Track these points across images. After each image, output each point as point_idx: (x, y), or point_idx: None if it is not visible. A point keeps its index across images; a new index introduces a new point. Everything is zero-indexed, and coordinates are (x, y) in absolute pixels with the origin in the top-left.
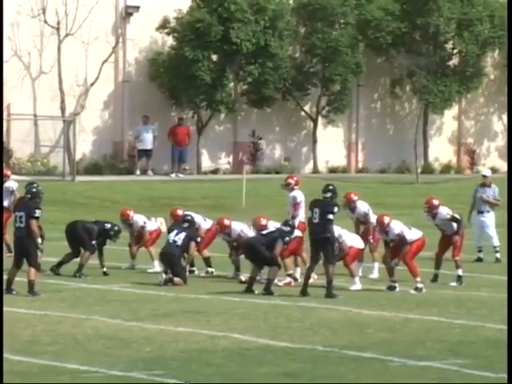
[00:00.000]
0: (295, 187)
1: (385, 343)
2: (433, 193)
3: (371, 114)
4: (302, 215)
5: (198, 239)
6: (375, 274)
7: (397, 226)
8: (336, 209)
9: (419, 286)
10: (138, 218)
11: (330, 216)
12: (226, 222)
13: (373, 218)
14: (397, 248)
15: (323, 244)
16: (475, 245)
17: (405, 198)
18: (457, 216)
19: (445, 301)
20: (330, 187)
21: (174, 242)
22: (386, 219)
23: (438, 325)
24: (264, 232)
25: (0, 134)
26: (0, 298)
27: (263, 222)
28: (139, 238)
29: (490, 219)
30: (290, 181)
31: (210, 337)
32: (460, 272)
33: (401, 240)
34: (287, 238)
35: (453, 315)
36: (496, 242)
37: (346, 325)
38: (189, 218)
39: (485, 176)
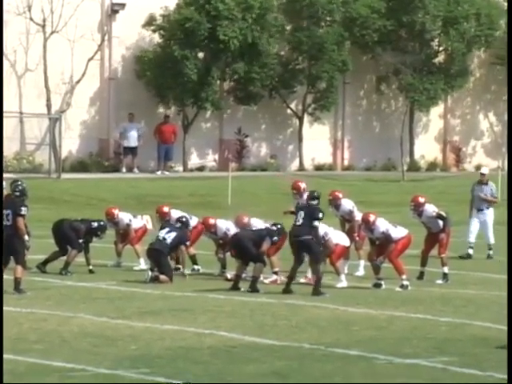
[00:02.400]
0: (306, 192)
1: (371, 341)
2: (419, 190)
3: (357, 112)
4: None
5: (188, 243)
6: (361, 272)
7: (382, 224)
8: (321, 215)
9: (405, 283)
10: (124, 216)
11: (316, 223)
12: (211, 221)
13: (358, 216)
14: (382, 246)
15: (307, 246)
16: (466, 240)
17: (391, 196)
18: (443, 213)
19: (431, 298)
20: (316, 194)
21: (164, 239)
22: (372, 217)
23: (424, 322)
24: (253, 228)
25: (0, 134)
26: (0, 299)
27: (245, 219)
28: (125, 235)
29: (489, 216)
30: (303, 185)
31: (196, 334)
32: (446, 269)
33: (386, 238)
34: (276, 238)
35: (439, 313)
36: (492, 240)
37: (333, 322)
38: (183, 219)
39: (483, 174)
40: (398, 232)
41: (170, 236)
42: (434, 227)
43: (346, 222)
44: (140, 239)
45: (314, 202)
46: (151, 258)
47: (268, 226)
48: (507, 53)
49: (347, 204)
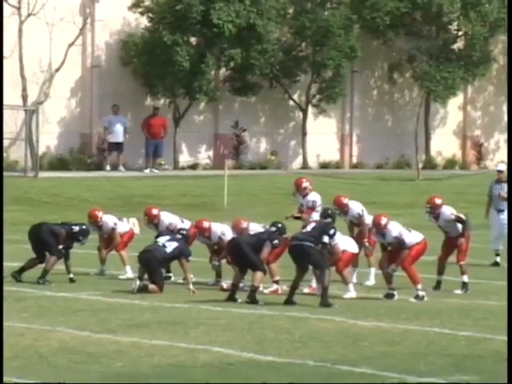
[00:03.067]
0: (310, 191)
1: (382, 357)
2: (435, 191)
3: (367, 103)
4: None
5: (190, 258)
6: (371, 281)
7: (395, 228)
8: (333, 231)
9: (420, 293)
10: (108, 219)
11: (326, 239)
12: (205, 224)
13: (368, 219)
14: (395, 252)
15: (306, 252)
16: (492, 248)
17: (404, 197)
18: (462, 216)
19: (449, 310)
20: (330, 212)
21: (164, 246)
22: (383, 220)
23: (441, 337)
24: (252, 232)
25: (0, 132)
26: (0, 300)
27: (244, 224)
28: (109, 240)
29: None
30: (305, 184)
31: (188, 350)
32: (465, 278)
33: (399, 243)
34: (276, 241)
35: (458, 326)
36: None
37: (340, 337)
38: (184, 232)
39: (500, 171)
40: (412, 237)
41: (170, 245)
42: (452, 231)
43: (355, 226)
44: (126, 245)
45: (327, 221)
46: (143, 262)
47: (266, 228)
48: (507, 53)
49: (355, 207)
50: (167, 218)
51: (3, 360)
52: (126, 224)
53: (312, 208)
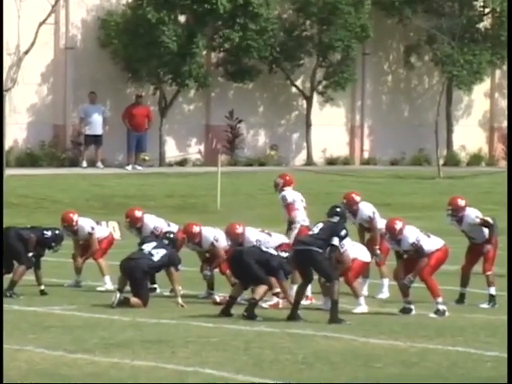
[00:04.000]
0: (285, 188)
1: (397, 380)
2: (458, 190)
3: (380, 91)
4: (301, 217)
5: (180, 266)
6: (385, 294)
7: (412, 234)
8: (344, 232)
9: (441, 308)
10: (84, 223)
11: (335, 241)
12: (195, 229)
13: (380, 223)
14: (412, 261)
15: (312, 259)
16: None
17: (423, 197)
18: (489, 220)
19: (473, 327)
20: (338, 210)
21: (150, 254)
22: (398, 224)
23: (465, 357)
24: (264, 248)
25: (0, 130)
26: (0, 300)
27: (239, 229)
28: (86, 247)
29: None
30: (278, 180)
31: (176, 372)
32: (493, 290)
33: (417, 251)
34: (290, 275)
35: (484, 345)
36: None
37: (349, 357)
38: (171, 236)
39: None
40: (431, 243)
41: (158, 253)
42: (477, 237)
43: (366, 232)
44: (105, 252)
45: (334, 220)
46: (126, 272)
47: (277, 253)
48: (507, 52)
49: (366, 209)
50: (152, 221)
51: None
52: (104, 228)
53: (285, 205)
